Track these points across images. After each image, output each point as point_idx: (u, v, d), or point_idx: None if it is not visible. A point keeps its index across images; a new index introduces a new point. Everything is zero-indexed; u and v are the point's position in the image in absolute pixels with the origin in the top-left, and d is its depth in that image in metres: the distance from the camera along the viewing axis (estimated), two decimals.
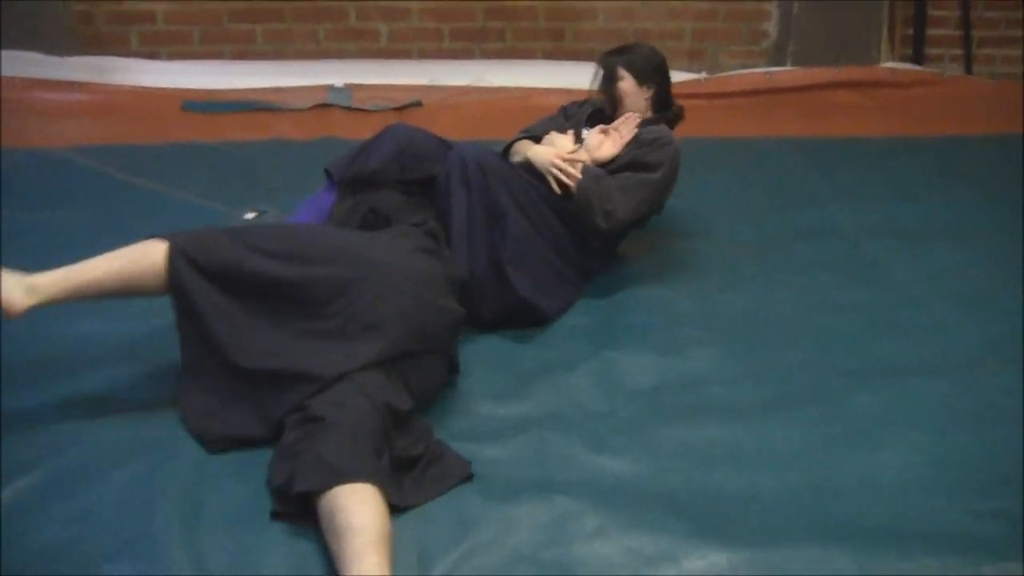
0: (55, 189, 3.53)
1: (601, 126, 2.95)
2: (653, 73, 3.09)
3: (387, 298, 2.19)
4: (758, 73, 4.86)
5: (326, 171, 2.88)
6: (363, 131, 3.93)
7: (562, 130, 3.04)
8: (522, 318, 2.71)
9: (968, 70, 5.23)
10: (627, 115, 2.95)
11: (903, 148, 4.22)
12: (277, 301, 2.18)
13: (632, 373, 2.55)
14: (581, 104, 3.23)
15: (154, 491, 2.03)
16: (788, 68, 4.94)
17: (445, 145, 2.90)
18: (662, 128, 3.02)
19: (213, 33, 4.84)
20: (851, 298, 2.95)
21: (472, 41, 4.89)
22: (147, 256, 2.16)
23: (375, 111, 4.35)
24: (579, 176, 2.76)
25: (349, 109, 4.38)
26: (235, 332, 2.17)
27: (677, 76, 4.59)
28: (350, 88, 4.49)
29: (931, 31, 5.22)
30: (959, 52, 5.26)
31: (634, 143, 2.91)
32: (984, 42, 5.26)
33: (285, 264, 2.19)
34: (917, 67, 5.07)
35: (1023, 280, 3.04)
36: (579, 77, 4.60)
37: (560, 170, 2.78)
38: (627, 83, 3.07)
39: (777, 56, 5.12)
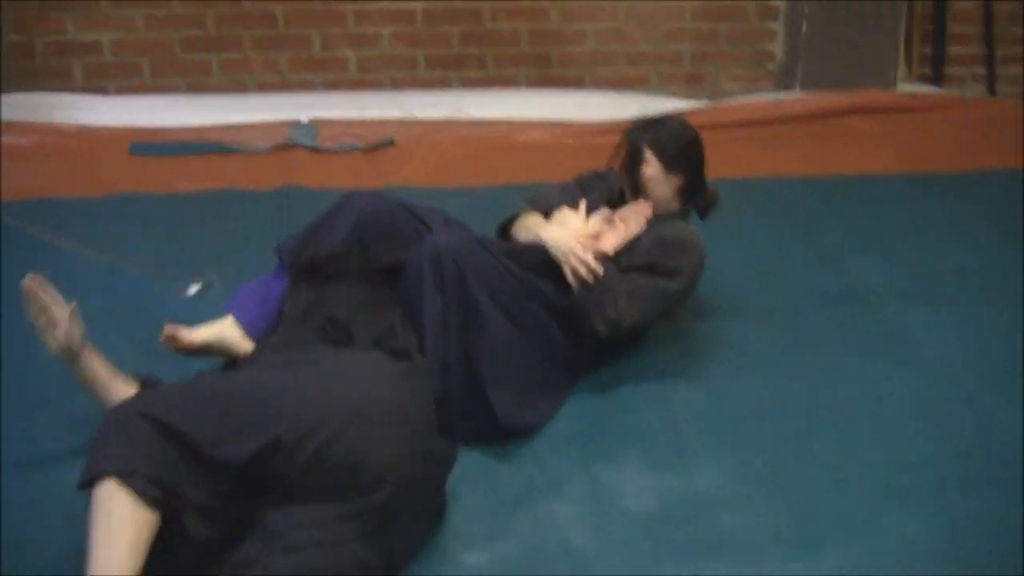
0: None
1: (605, 212, 2.64)
2: (684, 158, 2.74)
3: (371, 450, 1.91)
4: (765, 100, 4.69)
5: (277, 252, 2.58)
6: (329, 177, 3.83)
7: (574, 205, 2.72)
8: (502, 436, 2.43)
9: (992, 91, 5.05)
10: (639, 204, 2.64)
11: (928, 186, 3.96)
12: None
13: (627, 495, 2.26)
14: (601, 176, 2.89)
15: None
16: (797, 93, 4.78)
17: (414, 219, 2.60)
18: (689, 228, 2.71)
19: (165, 65, 4.66)
20: (879, 383, 2.66)
21: (449, 69, 4.69)
22: (122, 518, 1.79)
23: (343, 152, 4.12)
24: (601, 271, 2.48)
25: (314, 150, 4.13)
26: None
27: (675, 104, 4.46)
28: (316, 124, 4.28)
29: (951, 49, 5.05)
30: (982, 71, 5.08)
31: (655, 240, 2.60)
32: (1008, 60, 5.08)
33: (247, 440, 1.87)
34: (937, 89, 4.90)
35: None
36: (567, 107, 4.53)
37: (581, 260, 2.49)
38: (652, 168, 2.70)
39: (784, 80, 4.96)
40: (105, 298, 2.91)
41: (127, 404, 1.92)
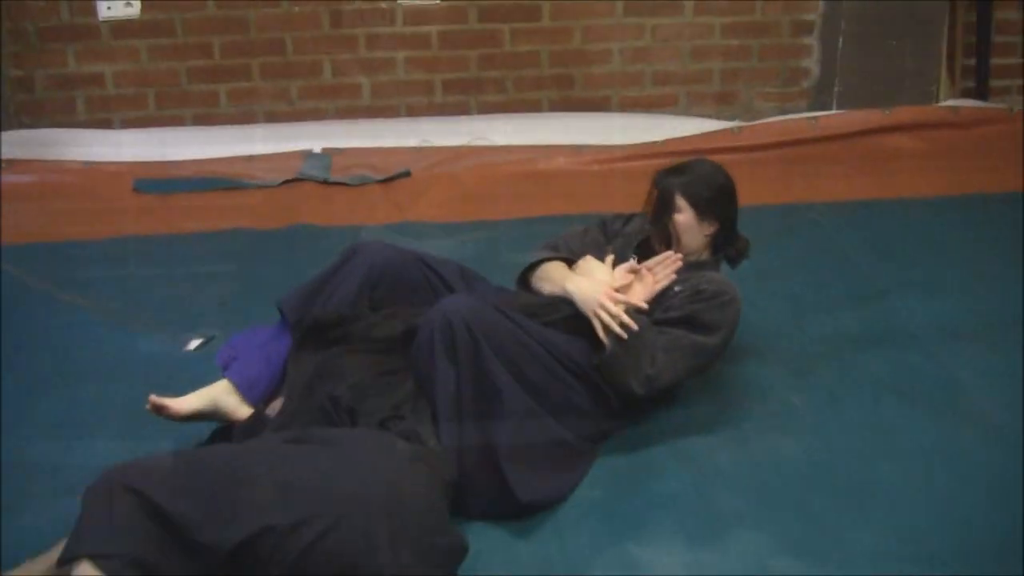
0: None
1: (631, 263, 2.49)
2: (718, 205, 2.62)
3: (368, 548, 1.79)
4: (800, 119, 4.58)
5: (279, 308, 2.45)
6: (341, 214, 3.80)
7: (599, 252, 2.59)
8: (522, 513, 2.30)
9: None
10: (668, 256, 2.50)
11: (975, 208, 3.84)
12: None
13: (658, 573, 2.07)
14: (627, 220, 2.77)
15: None
16: (834, 112, 4.68)
17: (429, 271, 2.50)
18: (725, 280, 2.58)
19: (170, 96, 4.64)
20: (931, 438, 2.46)
21: (467, 94, 4.60)
22: None
23: (356, 185, 4.06)
24: (635, 327, 2.34)
25: (326, 183, 4.07)
26: None
27: (705, 125, 4.35)
28: (329, 154, 4.23)
29: (995, 60, 4.95)
30: None
31: (692, 293, 2.47)
32: None
33: (235, 525, 1.78)
34: (982, 103, 4.78)
35: None
36: (592, 131, 4.42)
37: (612, 316, 2.35)
38: (685, 217, 2.58)
39: (820, 98, 4.88)
40: (105, 350, 2.86)
41: (115, 473, 1.82)
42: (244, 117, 4.63)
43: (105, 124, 4.55)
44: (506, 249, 3.31)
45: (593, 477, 2.37)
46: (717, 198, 2.61)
